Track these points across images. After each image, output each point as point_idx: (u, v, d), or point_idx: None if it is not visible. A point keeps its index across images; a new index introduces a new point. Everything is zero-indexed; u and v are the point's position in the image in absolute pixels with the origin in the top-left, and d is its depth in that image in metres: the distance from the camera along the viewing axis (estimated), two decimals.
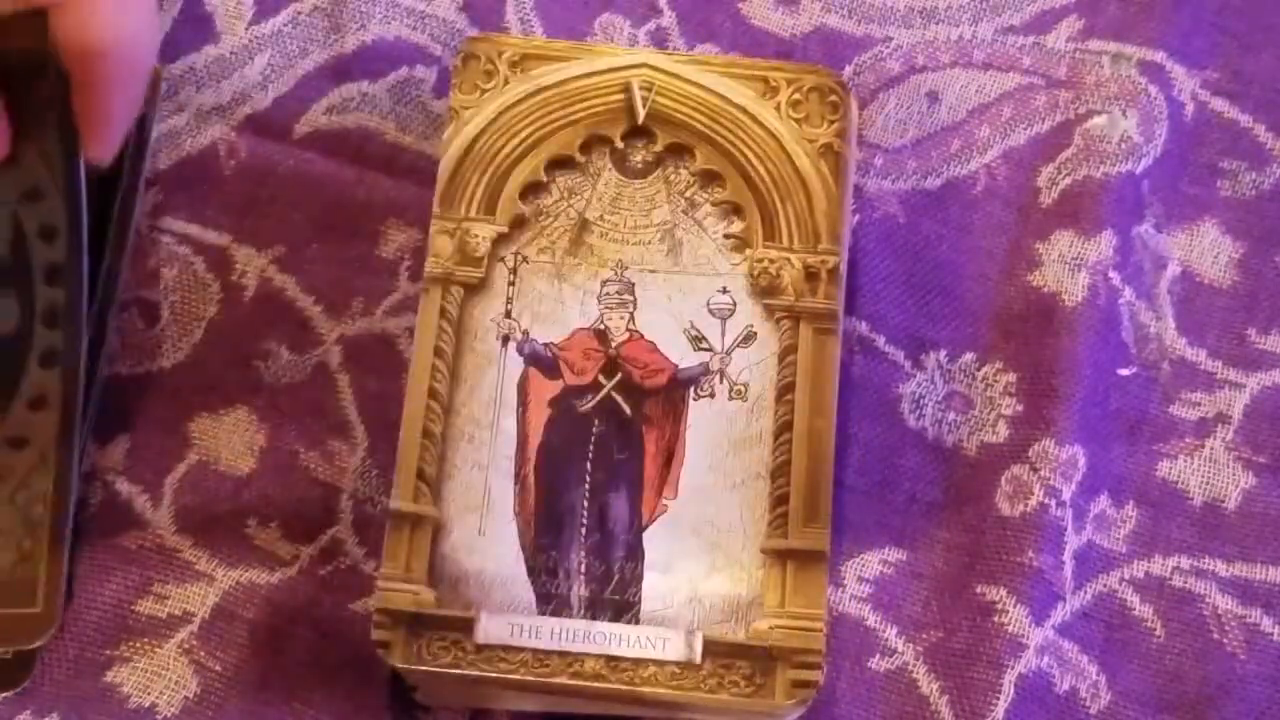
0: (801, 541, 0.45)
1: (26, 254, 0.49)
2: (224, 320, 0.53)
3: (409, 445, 0.46)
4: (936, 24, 0.57)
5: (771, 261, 0.48)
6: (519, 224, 0.48)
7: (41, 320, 0.49)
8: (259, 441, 0.52)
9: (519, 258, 0.48)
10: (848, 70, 0.56)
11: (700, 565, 0.45)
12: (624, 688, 0.44)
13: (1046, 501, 0.50)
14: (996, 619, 0.49)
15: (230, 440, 0.51)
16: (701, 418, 0.46)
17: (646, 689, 0.44)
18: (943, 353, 0.53)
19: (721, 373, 0.47)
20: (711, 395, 0.47)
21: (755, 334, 0.47)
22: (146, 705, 0.49)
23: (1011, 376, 0.52)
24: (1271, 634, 0.50)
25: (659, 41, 0.57)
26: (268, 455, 0.51)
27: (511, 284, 0.48)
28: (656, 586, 0.45)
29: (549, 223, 0.48)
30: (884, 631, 0.50)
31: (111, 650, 0.49)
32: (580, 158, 0.50)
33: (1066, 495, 0.50)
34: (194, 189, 0.54)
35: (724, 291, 0.48)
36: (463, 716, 0.49)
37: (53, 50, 0.52)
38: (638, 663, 0.44)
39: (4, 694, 0.48)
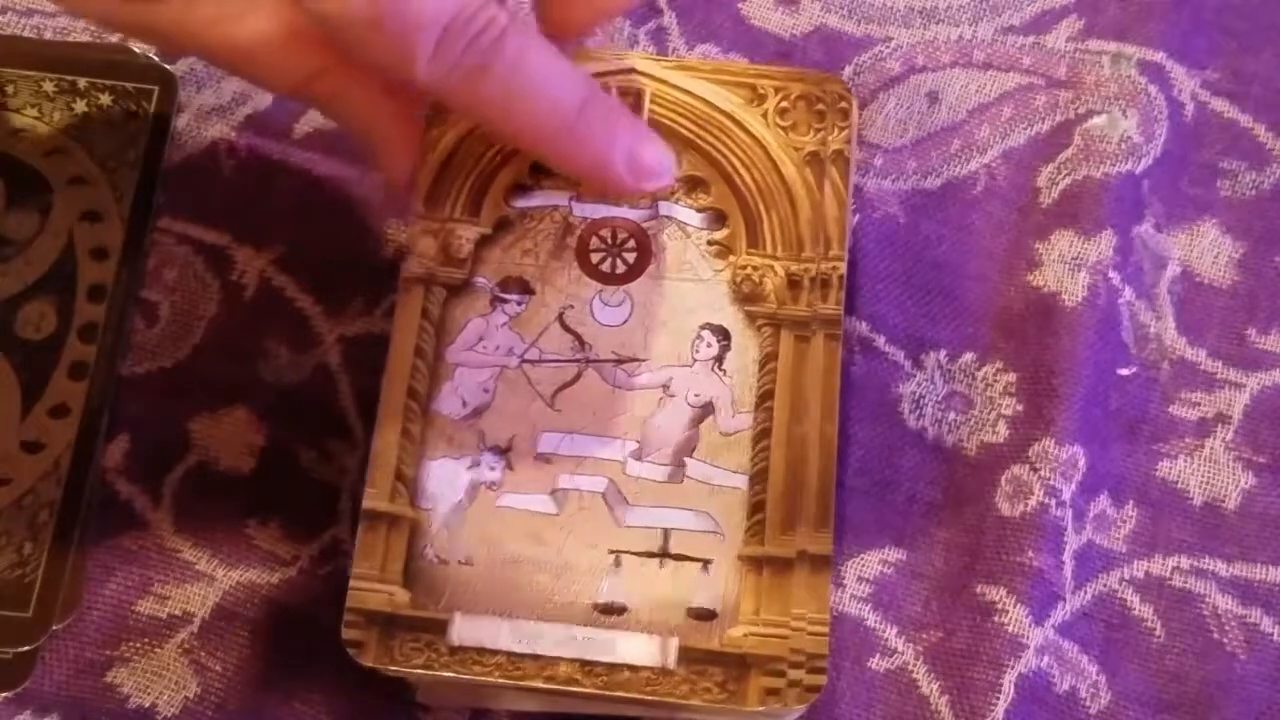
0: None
1: (73, 269, 0.50)
2: (224, 320, 0.53)
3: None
4: (936, 24, 0.57)
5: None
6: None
7: (77, 334, 0.49)
8: (259, 441, 0.51)
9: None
10: (848, 70, 0.56)
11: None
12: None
13: (1046, 501, 0.50)
14: (996, 619, 0.49)
15: (230, 440, 0.51)
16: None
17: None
18: (943, 353, 0.53)
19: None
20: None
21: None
22: (146, 705, 0.49)
23: (1011, 376, 0.52)
24: (1271, 634, 0.50)
25: (659, 41, 0.57)
26: (268, 455, 0.51)
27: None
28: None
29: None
30: (884, 631, 0.50)
31: (111, 650, 0.49)
32: None
33: (1066, 495, 0.50)
34: (194, 189, 0.54)
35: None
36: (463, 716, 0.49)
37: (160, 64, 0.53)
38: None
39: (4, 694, 0.48)
